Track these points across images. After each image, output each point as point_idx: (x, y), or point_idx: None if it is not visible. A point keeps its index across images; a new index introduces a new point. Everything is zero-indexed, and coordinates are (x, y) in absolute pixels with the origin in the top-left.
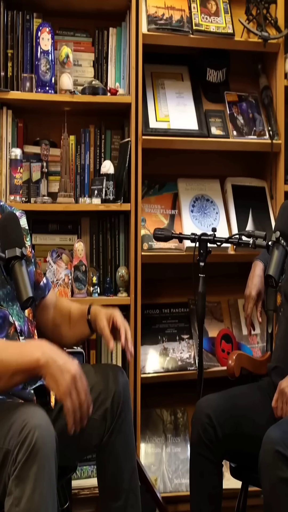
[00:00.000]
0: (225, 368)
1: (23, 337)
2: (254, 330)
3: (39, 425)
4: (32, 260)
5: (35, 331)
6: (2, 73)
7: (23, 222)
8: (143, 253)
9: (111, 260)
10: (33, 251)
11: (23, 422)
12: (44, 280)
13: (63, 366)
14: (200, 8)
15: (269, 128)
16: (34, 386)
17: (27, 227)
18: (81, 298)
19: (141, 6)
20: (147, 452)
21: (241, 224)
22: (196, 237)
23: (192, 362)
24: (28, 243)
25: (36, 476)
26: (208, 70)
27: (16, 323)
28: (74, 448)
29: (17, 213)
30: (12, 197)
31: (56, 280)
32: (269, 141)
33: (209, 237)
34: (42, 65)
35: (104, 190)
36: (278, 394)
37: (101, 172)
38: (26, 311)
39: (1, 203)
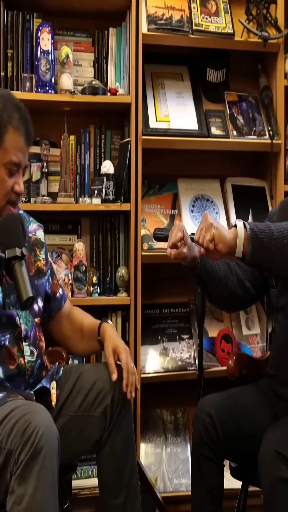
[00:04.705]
0: (225, 368)
1: (26, 343)
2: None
3: (43, 423)
4: (48, 272)
5: (42, 336)
6: (2, 73)
7: (40, 234)
8: (143, 253)
9: (111, 260)
10: (48, 263)
11: (26, 422)
12: (60, 291)
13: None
14: (200, 8)
15: (269, 128)
16: (34, 389)
17: (43, 240)
18: (81, 298)
19: (141, 6)
20: (147, 452)
21: None
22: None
23: (192, 362)
24: (42, 256)
25: (39, 475)
26: (208, 70)
27: (23, 327)
28: (75, 445)
29: (35, 225)
30: None
31: None
32: (269, 141)
33: None
34: (42, 65)
35: (104, 190)
36: (202, 220)
37: (101, 172)
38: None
39: (20, 212)
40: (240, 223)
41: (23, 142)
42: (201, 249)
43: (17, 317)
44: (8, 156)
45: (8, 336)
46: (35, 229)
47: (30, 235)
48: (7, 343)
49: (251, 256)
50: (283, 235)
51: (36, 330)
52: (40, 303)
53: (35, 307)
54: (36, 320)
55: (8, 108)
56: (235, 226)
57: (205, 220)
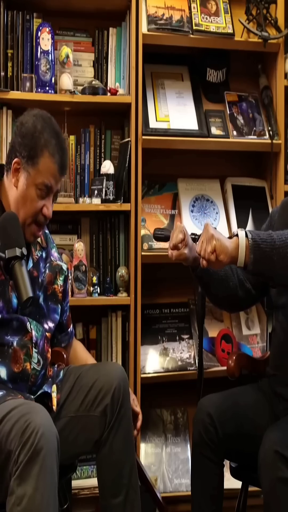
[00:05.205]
0: (225, 368)
1: (36, 350)
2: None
3: (42, 424)
4: (66, 305)
5: (49, 349)
6: (2, 73)
7: (65, 267)
8: (143, 253)
9: (111, 260)
10: (67, 296)
11: (25, 422)
12: (71, 328)
13: None
14: (200, 8)
15: (269, 128)
16: (36, 395)
17: (65, 269)
18: (81, 298)
19: (141, 6)
20: (147, 452)
21: (241, 224)
22: (196, 237)
23: (192, 362)
24: (60, 282)
25: (38, 476)
26: (208, 70)
27: (33, 333)
28: (75, 446)
29: (56, 254)
30: None
31: None
32: (269, 141)
33: None
34: (42, 65)
35: (104, 190)
36: (203, 232)
37: (101, 172)
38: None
39: (46, 231)
40: (241, 233)
41: (57, 170)
42: (203, 261)
43: (28, 323)
44: (41, 177)
45: (17, 339)
46: (57, 257)
47: (52, 258)
48: (15, 345)
49: (253, 266)
50: (285, 244)
51: (45, 342)
52: (50, 324)
53: (45, 325)
54: (47, 334)
55: (47, 131)
56: (237, 235)
57: (206, 232)
